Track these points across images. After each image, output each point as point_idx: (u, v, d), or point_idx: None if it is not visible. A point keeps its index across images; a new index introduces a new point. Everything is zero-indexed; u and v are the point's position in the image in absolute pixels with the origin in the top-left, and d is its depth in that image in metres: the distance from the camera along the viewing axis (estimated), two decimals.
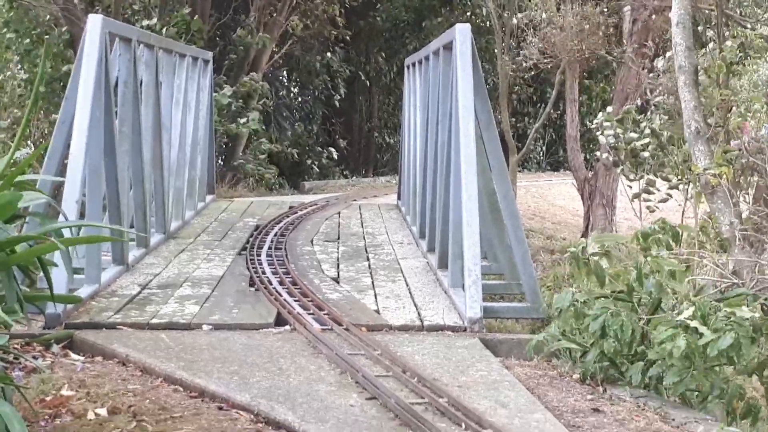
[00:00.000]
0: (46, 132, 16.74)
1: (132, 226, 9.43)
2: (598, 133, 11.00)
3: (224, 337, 6.65)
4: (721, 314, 5.62)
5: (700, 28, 9.12)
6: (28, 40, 17.80)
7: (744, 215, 6.93)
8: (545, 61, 14.71)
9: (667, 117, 9.59)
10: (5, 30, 18.06)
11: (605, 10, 15.62)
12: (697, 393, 5.82)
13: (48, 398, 5.23)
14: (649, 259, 6.10)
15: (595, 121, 11.27)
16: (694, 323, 5.54)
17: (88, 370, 5.93)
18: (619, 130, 10.71)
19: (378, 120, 29.46)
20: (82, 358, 6.24)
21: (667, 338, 5.60)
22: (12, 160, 4.59)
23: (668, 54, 10.21)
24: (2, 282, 4.36)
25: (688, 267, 6.38)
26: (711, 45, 8.02)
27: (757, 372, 6.02)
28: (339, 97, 27.05)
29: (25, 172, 4.76)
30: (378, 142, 29.55)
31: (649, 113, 10.09)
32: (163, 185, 10.49)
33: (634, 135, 10.52)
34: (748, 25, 10.54)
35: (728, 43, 7.62)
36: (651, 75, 10.64)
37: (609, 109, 11.50)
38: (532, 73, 16.76)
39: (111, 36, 8.69)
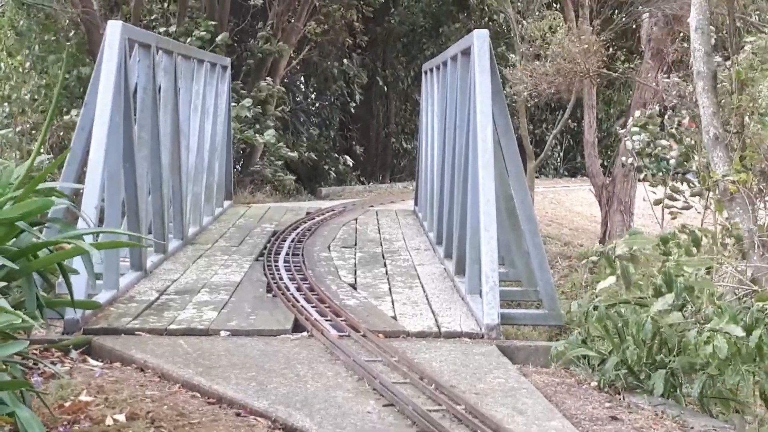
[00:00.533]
0: (59, 135, 16.80)
1: (150, 232, 9.46)
2: (626, 138, 10.96)
3: (242, 343, 6.66)
4: (754, 309, 5.58)
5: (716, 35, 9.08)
6: (38, 47, 17.89)
7: (762, 222, 6.89)
8: (551, 84, 14.66)
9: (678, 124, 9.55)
10: (18, 35, 18.16)
11: (605, 25, 15.61)
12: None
13: (67, 404, 5.25)
14: (670, 264, 6.08)
15: (620, 127, 11.23)
16: (727, 326, 5.49)
17: (107, 375, 5.94)
18: (644, 135, 10.67)
19: (395, 126, 29.46)
20: (100, 364, 6.26)
21: (706, 340, 5.54)
22: (32, 166, 4.61)
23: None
24: (23, 287, 4.39)
25: (709, 271, 6.35)
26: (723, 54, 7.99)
27: None
28: (356, 103, 27.07)
29: (43, 180, 4.78)
30: (395, 148, 29.56)
31: (667, 118, 10.04)
32: (182, 191, 10.52)
33: (664, 142, 10.48)
34: (767, 30, 10.50)
35: (746, 48, 7.59)
36: (670, 81, 10.60)
37: (637, 113, 11.45)
38: (536, 100, 16.72)
39: (130, 42, 8.72)
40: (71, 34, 17.44)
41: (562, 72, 13.86)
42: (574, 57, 13.69)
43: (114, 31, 8.25)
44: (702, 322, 5.75)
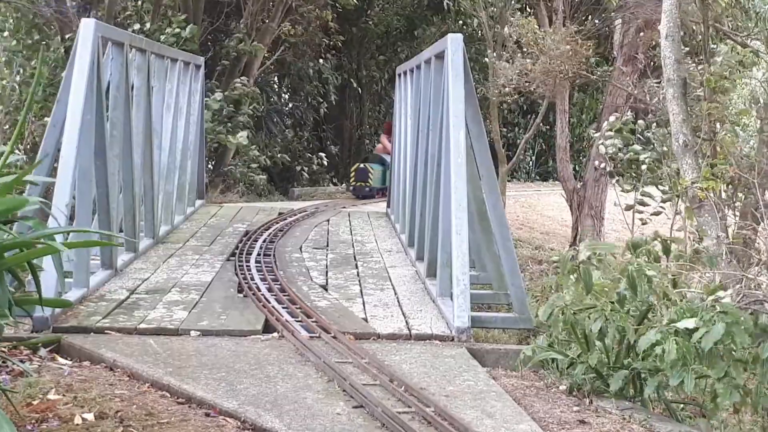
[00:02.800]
0: (40, 137, 16.67)
1: (121, 230, 9.43)
2: (600, 142, 11.03)
3: (212, 344, 6.66)
4: (706, 303, 5.65)
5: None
6: (14, 43, 17.75)
7: (731, 230, 6.96)
8: (526, 83, 14.73)
9: (662, 129, 9.63)
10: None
11: (581, 29, 15.69)
12: (705, 392, 5.77)
13: (35, 402, 5.23)
14: (632, 267, 6.14)
15: (594, 131, 11.29)
16: (683, 323, 5.55)
17: (76, 374, 5.92)
18: (617, 140, 10.74)
19: (368, 127, 29.47)
20: (69, 363, 6.24)
21: (656, 342, 5.61)
22: (5, 164, 4.59)
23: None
24: None
25: (675, 280, 6.41)
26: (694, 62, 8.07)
27: (751, 364, 6.01)
28: (330, 104, 27.06)
29: (20, 181, 4.75)
30: (368, 150, 29.53)
31: (642, 123, 10.12)
32: (153, 190, 10.50)
33: (637, 147, 10.54)
34: (739, 39, 10.60)
35: (717, 59, 7.67)
36: (645, 86, 10.69)
37: (612, 118, 11.52)
38: (514, 97, 16.81)
39: (103, 40, 8.69)
40: (57, 37, 17.29)
41: (546, 72, 13.96)
42: (560, 57, 13.79)
43: (87, 29, 8.23)
44: (665, 322, 5.81)
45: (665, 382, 5.76)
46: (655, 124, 10.09)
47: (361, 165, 19.45)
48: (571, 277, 6.43)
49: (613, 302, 6.24)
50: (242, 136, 18.60)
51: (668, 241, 6.39)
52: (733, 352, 5.58)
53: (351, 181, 19.56)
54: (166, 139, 11.71)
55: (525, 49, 14.79)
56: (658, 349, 5.58)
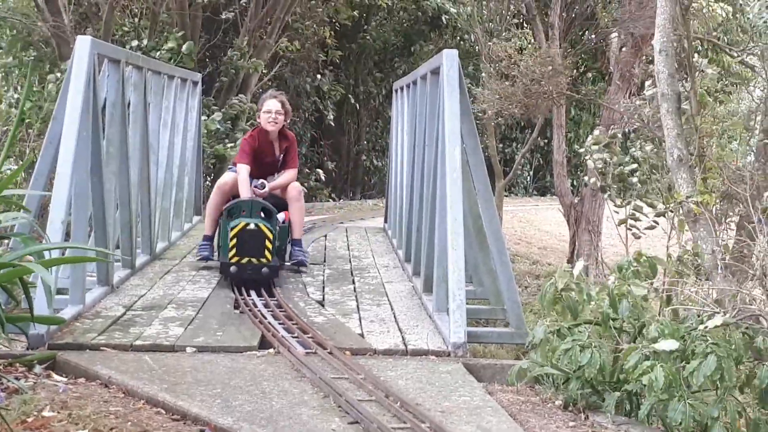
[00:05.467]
0: (37, 152, 16.69)
1: (118, 247, 9.43)
2: (586, 157, 11.05)
3: (208, 360, 6.65)
4: (697, 333, 5.66)
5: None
6: (11, 59, 17.81)
7: (725, 244, 6.97)
8: (517, 105, 14.71)
9: (650, 145, 9.65)
10: None
11: (570, 49, 15.73)
12: (694, 422, 5.77)
13: (29, 419, 5.22)
14: (612, 285, 6.15)
15: (585, 145, 11.31)
16: (662, 345, 5.57)
17: (71, 391, 5.92)
18: (606, 155, 10.76)
19: (366, 143, 29.53)
20: (64, 380, 6.23)
21: (645, 370, 5.62)
22: None
23: (647, 83, 10.28)
24: None
25: (669, 297, 6.42)
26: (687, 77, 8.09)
27: (745, 386, 6.02)
28: (328, 120, 27.12)
29: (7, 187, 4.76)
30: (366, 165, 29.62)
31: (632, 140, 10.15)
32: (150, 206, 10.51)
33: (624, 158, 10.55)
34: (735, 54, 10.64)
35: (709, 71, 7.70)
36: (638, 103, 10.71)
37: (596, 131, 11.52)
38: (501, 119, 16.78)
39: (100, 57, 8.71)
40: (48, 50, 17.34)
41: (527, 93, 13.96)
42: (540, 78, 13.79)
43: (83, 46, 8.25)
44: (645, 342, 5.82)
45: (659, 403, 5.76)
46: (639, 142, 10.11)
47: (251, 225, 9.01)
48: (555, 307, 6.45)
49: (597, 323, 6.25)
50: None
51: (653, 261, 6.40)
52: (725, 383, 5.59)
53: (231, 256, 9.02)
54: (163, 156, 11.72)
55: (513, 68, 14.79)
56: (645, 378, 5.58)
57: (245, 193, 9.56)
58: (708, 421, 5.56)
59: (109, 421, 5.29)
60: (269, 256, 8.98)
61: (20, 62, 17.81)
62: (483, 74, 17.34)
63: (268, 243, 8.95)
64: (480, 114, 15.93)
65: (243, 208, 9.24)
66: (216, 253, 10.04)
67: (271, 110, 9.99)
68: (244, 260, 8.97)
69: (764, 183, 7.29)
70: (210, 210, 10.10)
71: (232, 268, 8.96)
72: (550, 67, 13.66)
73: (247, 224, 8.96)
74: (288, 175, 10.15)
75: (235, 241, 8.93)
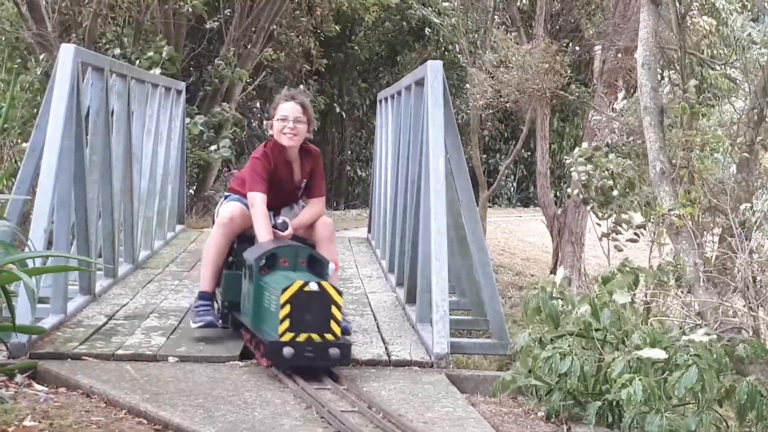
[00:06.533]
0: (19, 159, 16.63)
1: (100, 256, 9.40)
2: (572, 169, 11.08)
3: (190, 369, 6.63)
4: (680, 343, 5.69)
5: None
6: None
7: (707, 256, 7.00)
8: (500, 98, 14.75)
9: (624, 158, 9.68)
10: None
11: (565, 49, 15.78)
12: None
13: (10, 429, 5.19)
14: (593, 295, 6.18)
15: (570, 157, 11.33)
16: (646, 353, 5.59)
17: (52, 400, 5.89)
18: (589, 167, 10.79)
19: (350, 153, 29.54)
20: (46, 389, 6.20)
21: (623, 384, 5.64)
22: None
23: (620, 95, 10.32)
24: None
25: (649, 308, 6.45)
26: (668, 88, 8.14)
27: (725, 399, 6.04)
28: (312, 130, 27.15)
29: None
30: (350, 175, 29.62)
31: (608, 153, 10.19)
32: (133, 215, 10.47)
33: (606, 173, 10.57)
34: (718, 67, 10.69)
35: (692, 82, 7.74)
36: (614, 115, 10.77)
37: (584, 144, 11.57)
38: (489, 111, 16.81)
39: (83, 65, 8.69)
40: (36, 59, 17.27)
41: (521, 88, 14.01)
42: (536, 73, 13.84)
43: (67, 54, 8.23)
44: (627, 350, 5.84)
45: (639, 415, 5.77)
46: (613, 156, 10.14)
47: (311, 285, 6.38)
48: (538, 317, 6.47)
49: (580, 332, 6.27)
50: (224, 147, 18.53)
51: (636, 272, 6.43)
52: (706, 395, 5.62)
53: (282, 332, 6.34)
54: (147, 165, 11.70)
55: (506, 62, 14.83)
56: (624, 393, 5.60)
57: (264, 233, 6.96)
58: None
59: (91, 431, 5.26)
60: (337, 330, 6.36)
61: (5, 70, 17.73)
62: (468, 86, 17.39)
63: (335, 311, 6.34)
64: (464, 117, 15.98)
65: (283, 256, 6.72)
66: (220, 318, 7.46)
67: (288, 117, 7.12)
68: (302, 338, 6.28)
69: (745, 195, 7.33)
70: (210, 257, 7.30)
71: (286, 351, 6.22)
72: (547, 65, 13.72)
73: (306, 283, 6.27)
74: (315, 207, 7.43)
75: (289, 309, 6.22)
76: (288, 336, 6.26)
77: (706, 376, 5.50)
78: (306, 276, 6.52)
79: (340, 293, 6.38)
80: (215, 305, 7.49)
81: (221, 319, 7.41)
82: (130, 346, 7.15)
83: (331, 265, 6.83)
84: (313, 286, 6.28)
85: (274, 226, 7.11)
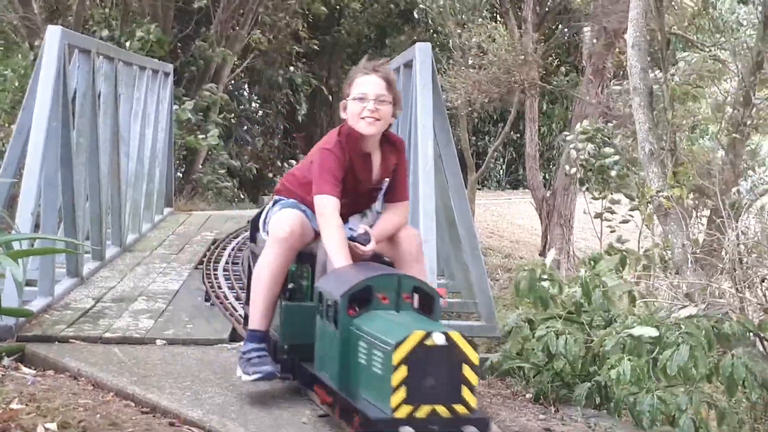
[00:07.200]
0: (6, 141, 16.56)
1: (88, 239, 9.37)
2: (571, 146, 11.06)
3: (178, 352, 6.61)
4: (669, 321, 5.71)
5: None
6: None
7: (695, 238, 7.02)
8: (484, 94, 14.67)
9: (631, 138, 9.69)
10: None
11: (542, 38, 15.73)
12: (661, 414, 5.80)
13: None
14: (585, 275, 6.18)
15: (570, 133, 11.30)
16: (638, 330, 5.60)
17: (39, 383, 5.86)
18: (590, 147, 10.78)
19: None
20: (33, 372, 6.18)
21: (613, 364, 5.65)
22: None
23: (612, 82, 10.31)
24: None
25: (631, 291, 6.46)
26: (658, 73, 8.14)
27: (714, 375, 6.06)
28: (302, 111, 27.06)
29: None
30: None
31: (610, 133, 10.20)
32: (120, 198, 10.44)
33: (609, 150, 10.56)
34: (706, 49, 10.70)
35: (680, 64, 7.75)
36: (603, 97, 10.77)
37: (585, 122, 11.54)
38: (471, 109, 16.75)
39: (70, 47, 8.64)
40: (25, 44, 17.19)
41: (495, 82, 13.95)
42: (510, 68, 13.78)
43: (53, 36, 8.18)
44: (618, 330, 5.85)
45: (628, 396, 5.79)
46: (620, 135, 10.15)
47: (435, 338, 4.34)
48: (527, 298, 6.48)
49: (570, 312, 6.28)
50: (213, 135, 18.49)
51: (624, 254, 6.44)
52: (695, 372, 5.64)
53: (397, 405, 4.30)
54: (134, 147, 11.66)
55: (482, 57, 14.76)
56: (614, 372, 5.61)
57: (341, 253, 5.13)
58: (675, 413, 5.59)
59: (78, 414, 5.24)
60: (471, 400, 4.40)
61: None
62: (455, 66, 17.36)
63: (468, 372, 4.41)
64: (449, 104, 15.92)
65: (381, 289, 4.78)
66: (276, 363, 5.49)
67: (368, 95, 5.31)
68: (424, 412, 4.35)
69: (732, 178, 7.35)
70: (263, 284, 5.40)
71: (405, 431, 4.29)
72: (522, 57, 13.68)
73: (427, 335, 4.36)
74: (400, 213, 5.58)
75: (405, 372, 4.34)
76: (404, 410, 4.33)
77: (697, 354, 5.52)
78: (422, 321, 4.62)
79: (474, 347, 4.45)
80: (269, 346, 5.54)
81: (280, 366, 5.48)
82: (118, 328, 7.13)
83: (441, 301, 4.98)
84: (438, 339, 4.37)
85: (351, 239, 5.27)
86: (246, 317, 5.72)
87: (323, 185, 5.27)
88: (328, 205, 5.23)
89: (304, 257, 5.46)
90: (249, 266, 5.74)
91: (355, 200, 5.52)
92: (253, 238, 5.93)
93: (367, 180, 5.49)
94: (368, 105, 5.29)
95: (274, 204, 5.65)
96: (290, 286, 5.43)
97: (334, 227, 5.17)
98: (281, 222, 5.37)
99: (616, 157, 10.35)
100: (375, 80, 5.34)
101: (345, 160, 5.36)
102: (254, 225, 5.86)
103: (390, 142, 5.56)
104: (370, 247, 5.28)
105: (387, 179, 5.56)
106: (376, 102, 5.30)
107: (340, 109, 5.44)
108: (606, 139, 10.35)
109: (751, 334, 6.08)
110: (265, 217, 5.66)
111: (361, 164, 5.45)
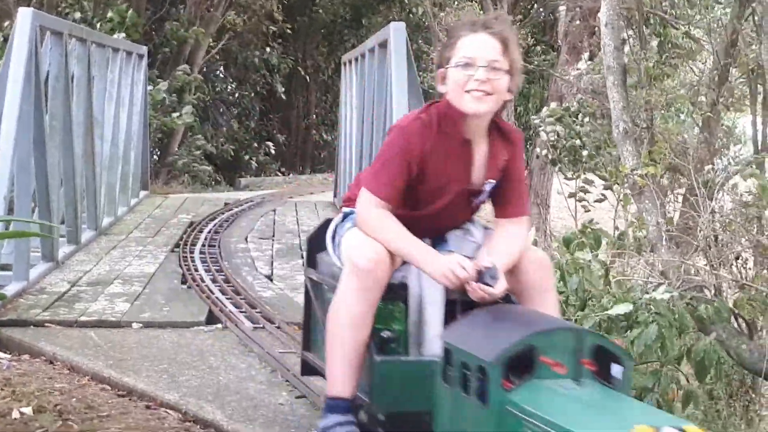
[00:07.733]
0: None
1: (63, 223, 9.32)
2: (540, 128, 11.07)
3: (154, 335, 6.60)
4: (642, 300, 5.73)
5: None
6: None
7: (670, 217, 7.05)
8: None
9: (588, 119, 9.71)
10: None
11: (518, 18, 15.74)
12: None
13: None
14: (567, 259, 6.20)
15: (539, 116, 11.31)
16: (615, 309, 5.62)
17: (15, 368, 5.84)
18: (559, 128, 10.80)
19: (315, 117, 29.40)
20: (8, 357, 6.15)
21: None
22: None
23: (584, 56, 10.33)
24: None
25: (608, 269, 6.48)
26: (629, 47, 8.14)
27: (686, 358, 6.10)
28: (278, 93, 26.97)
29: None
30: (315, 139, 29.49)
31: (577, 114, 10.21)
32: (95, 181, 10.38)
33: (575, 132, 10.59)
34: (681, 27, 10.71)
35: (653, 44, 7.77)
36: (576, 75, 10.78)
37: (553, 104, 11.55)
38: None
39: (42, 29, 8.57)
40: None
41: None
42: None
43: (24, 18, 8.11)
44: (595, 311, 5.88)
45: None
46: (580, 116, 10.16)
47: None
48: None
49: None
50: (187, 113, 18.37)
51: (597, 232, 6.46)
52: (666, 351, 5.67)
53: None
54: (109, 130, 11.59)
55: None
56: None
57: (426, 251, 3.75)
58: (642, 392, 5.63)
59: (54, 398, 5.23)
60: None
61: None
62: (431, 47, 17.35)
63: None
64: (431, 89, 15.90)
65: (550, 350, 3.03)
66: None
67: (476, 61, 3.73)
68: None
69: (707, 156, 7.38)
70: (342, 337, 3.77)
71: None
72: None
73: None
74: (520, 232, 3.94)
75: None
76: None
77: (667, 334, 5.55)
78: (628, 404, 2.93)
79: None
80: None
81: None
82: (94, 312, 7.10)
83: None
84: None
85: (481, 276, 3.59)
86: (305, 364, 4.60)
87: (375, 183, 3.81)
88: (374, 204, 3.78)
89: (393, 291, 3.79)
90: (307, 301, 4.45)
91: (446, 208, 3.89)
92: (311, 261, 4.38)
93: (464, 179, 3.86)
94: (477, 74, 3.71)
95: (344, 218, 4.05)
96: (385, 334, 3.76)
97: (392, 223, 3.75)
98: (363, 246, 3.75)
99: (585, 139, 10.38)
100: (487, 40, 3.76)
101: (426, 149, 3.77)
102: (315, 243, 4.30)
103: (501, 131, 3.92)
104: (501, 289, 3.61)
105: (493, 180, 3.91)
106: (487, 70, 3.72)
107: (437, 80, 3.87)
108: (574, 119, 10.37)
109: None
110: (333, 235, 4.09)
111: (457, 156, 3.82)
